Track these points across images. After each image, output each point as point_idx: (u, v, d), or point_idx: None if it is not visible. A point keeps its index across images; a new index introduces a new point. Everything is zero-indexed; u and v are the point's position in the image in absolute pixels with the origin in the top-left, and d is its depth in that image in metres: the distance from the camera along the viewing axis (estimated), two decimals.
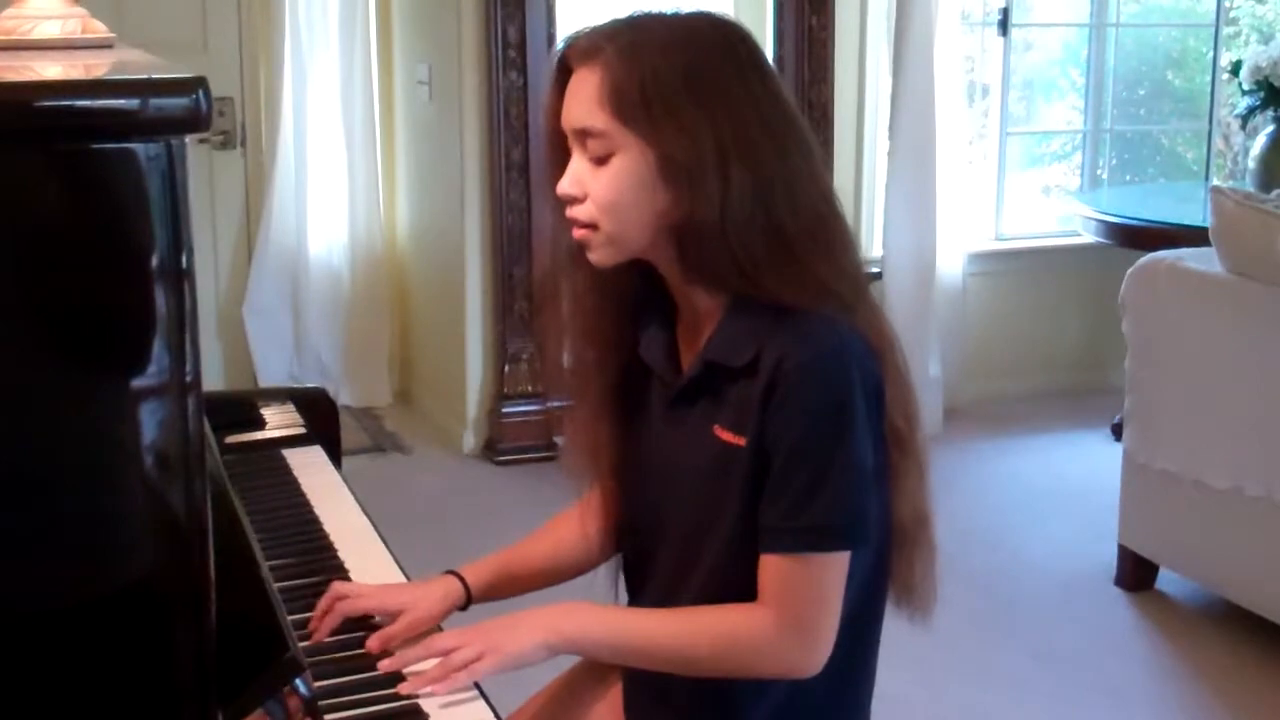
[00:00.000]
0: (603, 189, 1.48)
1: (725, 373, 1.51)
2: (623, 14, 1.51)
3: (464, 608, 1.69)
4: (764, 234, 1.46)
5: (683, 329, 1.60)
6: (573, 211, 1.51)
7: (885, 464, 1.51)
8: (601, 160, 1.47)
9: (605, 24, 1.50)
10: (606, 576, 1.75)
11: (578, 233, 1.52)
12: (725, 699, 1.57)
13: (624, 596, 1.72)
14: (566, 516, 1.76)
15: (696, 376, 1.54)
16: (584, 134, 1.48)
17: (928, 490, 1.59)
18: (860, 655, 1.61)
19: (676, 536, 1.58)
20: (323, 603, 1.64)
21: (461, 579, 1.69)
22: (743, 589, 1.50)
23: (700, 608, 1.52)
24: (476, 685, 1.50)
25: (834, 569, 1.48)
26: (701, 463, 1.53)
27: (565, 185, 1.51)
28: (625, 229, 1.49)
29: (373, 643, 1.57)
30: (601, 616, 1.56)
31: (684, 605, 1.54)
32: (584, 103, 1.47)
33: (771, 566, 1.48)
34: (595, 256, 1.53)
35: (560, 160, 1.53)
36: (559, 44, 1.53)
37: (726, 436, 1.50)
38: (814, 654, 1.49)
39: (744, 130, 1.45)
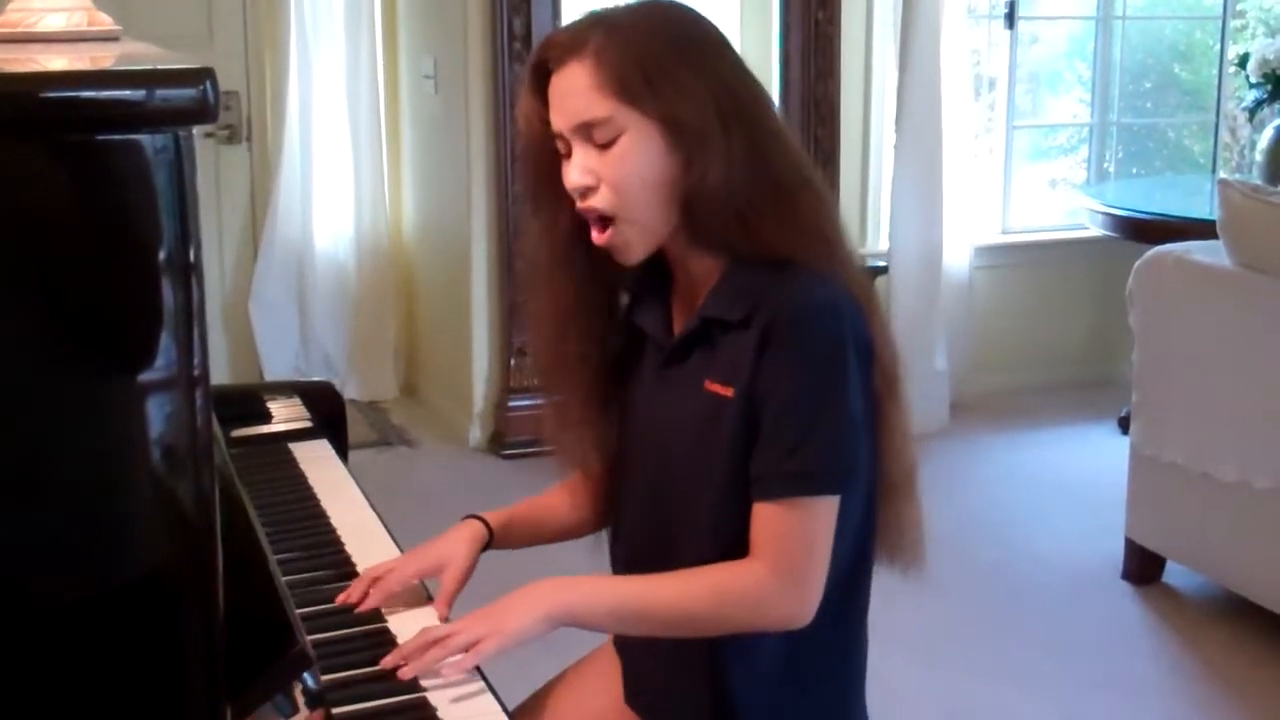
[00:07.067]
0: (615, 169, 1.50)
1: (720, 327, 1.54)
2: (580, 15, 1.55)
3: (487, 547, 1.73)
4: (764, 185, 1.51)
5: (678, 297, 1.62)
6: (588, 202, 1.52)
7: (874, 417, 1.55)
8: (607, 146, 1.50)
9: (573, 24, 1.54)
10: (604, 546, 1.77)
11: (600, 238, 1.54)
12: (723, 677, 1.58)
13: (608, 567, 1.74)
14: (569, 482, 1.80)
15: (691, 333, 1.57)
16: (587, 126, 1.50)
17: (912, 440, 1.63)
18: (853, 614, 1.63)
19: (667, 497, 1.60)
20: (358, 584, 1.66)
21: (480, 519, 1.74)
22: (734, 547, 1.52)
23: (694, 568, 1.54)
24: (484, 679, 1.50)
25: (823, 515, 1.50)
26: (692, 419, 1.56)
27: (576, 178, 1.52)
28: (644, 209, 1.52)
29: (390, 661, 1.51)
30: (598, 585, 1.57)
31: (678, 568, 1.55)
32: (581, 95, 1.49)
33: (762, 515, 1.50)
34: (627, 256, 1.55)
35: (547, 166, 1.56)
36: (533, 53, 1.56)
37: (716, 388, 1.53)
38: (806, 602, 1.51)
39: (732, 92, 1.51)
